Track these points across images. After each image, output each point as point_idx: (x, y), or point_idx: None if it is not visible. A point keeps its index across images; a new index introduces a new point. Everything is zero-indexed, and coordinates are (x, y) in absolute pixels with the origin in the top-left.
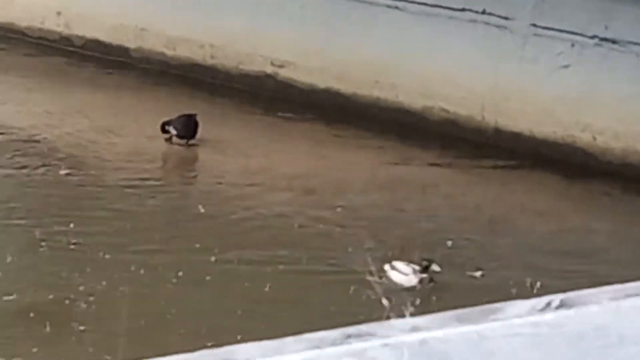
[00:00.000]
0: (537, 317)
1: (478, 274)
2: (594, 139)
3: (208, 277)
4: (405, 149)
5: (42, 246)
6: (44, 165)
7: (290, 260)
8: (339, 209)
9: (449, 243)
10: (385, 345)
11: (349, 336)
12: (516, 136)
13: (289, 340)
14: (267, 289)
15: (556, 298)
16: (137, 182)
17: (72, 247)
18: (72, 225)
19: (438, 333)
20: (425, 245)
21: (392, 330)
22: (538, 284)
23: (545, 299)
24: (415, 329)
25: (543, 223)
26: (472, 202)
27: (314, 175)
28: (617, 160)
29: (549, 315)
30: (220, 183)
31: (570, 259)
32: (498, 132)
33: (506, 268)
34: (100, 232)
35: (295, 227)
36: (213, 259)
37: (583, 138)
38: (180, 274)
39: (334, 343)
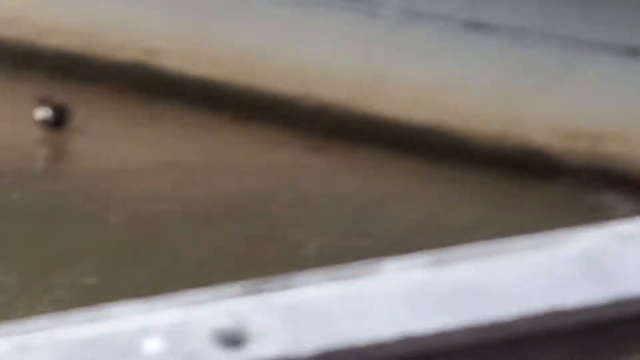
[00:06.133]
0: (411, 275)
1: None
2: (464, 124)
3: None
4: (278, 135)
5: None
6: None
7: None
8: (209, 194)
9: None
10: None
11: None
12: (386, 122)
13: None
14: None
15: (427, 256)
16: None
17: None
18: None
19: (312, 291)
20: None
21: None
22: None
23: (416, 258)
24: (287, 287)
25: (413, 208)
26: (342, 189)
27: (185, 160)
28: (488, 145)
29: (421, 273)
30: (93, 170)
31: (438, 238)
32: (368, 118)
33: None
34: None
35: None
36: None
37: (453, 123)
38: None
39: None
